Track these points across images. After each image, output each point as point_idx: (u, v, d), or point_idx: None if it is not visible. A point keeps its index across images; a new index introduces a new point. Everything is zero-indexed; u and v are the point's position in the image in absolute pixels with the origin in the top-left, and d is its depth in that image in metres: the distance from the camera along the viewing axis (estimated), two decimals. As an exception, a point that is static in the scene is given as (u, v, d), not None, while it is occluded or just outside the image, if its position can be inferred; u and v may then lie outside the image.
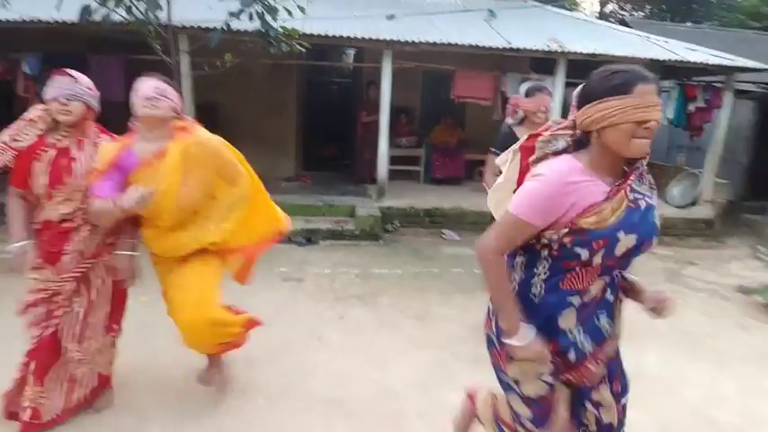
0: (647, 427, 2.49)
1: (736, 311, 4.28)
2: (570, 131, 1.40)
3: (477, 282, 4.51)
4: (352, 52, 10.13)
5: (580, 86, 1.39)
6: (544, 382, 1.49)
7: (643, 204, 1.37)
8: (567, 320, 1.44)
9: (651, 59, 6.48)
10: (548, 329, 1.44)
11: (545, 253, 1.41)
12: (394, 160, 7.30)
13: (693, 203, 7.11)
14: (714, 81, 7.17)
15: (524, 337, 1.40)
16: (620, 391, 1.61)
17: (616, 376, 1.59)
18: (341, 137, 9.40)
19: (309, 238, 5.48)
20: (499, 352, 1.53)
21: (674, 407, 2.72)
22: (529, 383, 1.51)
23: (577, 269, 1.39)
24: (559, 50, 6.31)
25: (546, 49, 6.31)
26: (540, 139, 1.44)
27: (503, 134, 3.20)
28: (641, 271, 5.43)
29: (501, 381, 1.62)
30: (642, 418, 2.42)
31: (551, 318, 1.44)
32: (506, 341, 1.43)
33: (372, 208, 6.08)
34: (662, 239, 6.37)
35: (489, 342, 1.59)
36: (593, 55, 6.32)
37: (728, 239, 6.75)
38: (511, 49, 6.23)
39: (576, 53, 6.36)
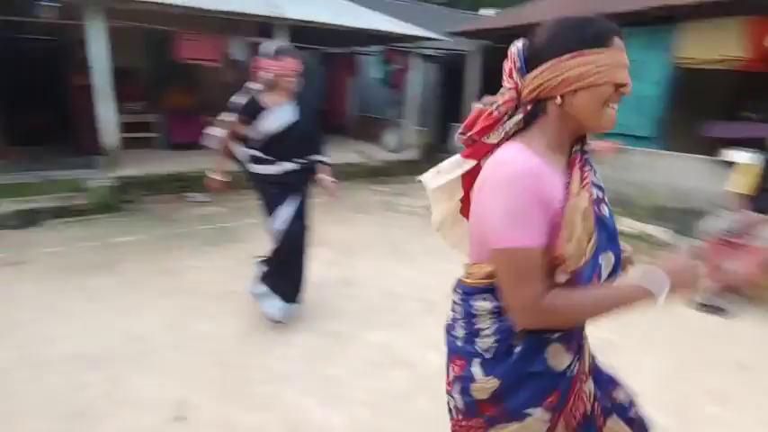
0: (360, 306, 3.37)
1: (422, 223, 5.77)
2: (514, 106, 1.06)
3: (228, 234, 4.88)
4: (55, 5, 8.65)
5: (519, 44, 1.06)
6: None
7: (605, 208, 1.09)
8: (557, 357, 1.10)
9: (366, 29, 7.60)
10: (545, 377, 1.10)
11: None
12: (126, 128, 6.85)
13: (402, 149, 8.82)
14: (407, 48, 8.84)
15: (654, 283, 1.00)
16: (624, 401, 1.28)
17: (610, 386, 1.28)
18: (52, 104, 8.15)
19: (29, 219, 4.89)
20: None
21: (378, 290, 3.70)
22: None
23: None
24: (278, 15, 6.83)
25: (265, 13, 6.74)
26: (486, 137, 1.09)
27: (249, 101, 2.78)
28: (366, 203, 6.56)
29: None
30: (358, 293, 3.28)
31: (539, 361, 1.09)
32: (660, 302, 1.00)
33: (105, 179, 5.70)
34: (382, 179, 7.84)
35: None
36: (312, 22, 7.06)
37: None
38: (230, 12, 6.46)
39: (295, 19, 6.98)
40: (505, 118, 1.07)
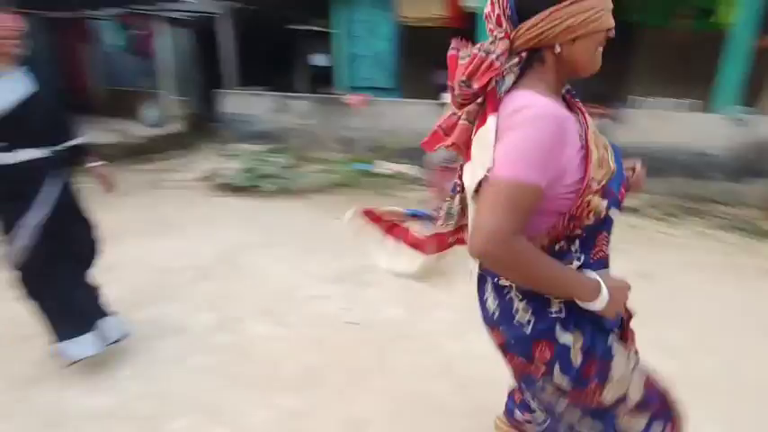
0: (125, 288, 3.19)
1: (200, 195, 5.62)
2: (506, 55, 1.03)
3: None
4: None
5: None
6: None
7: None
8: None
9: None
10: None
11: (571, 230, 1.07)
12: None
13: (164, 122, 8.21)
14: (147, 10, 8.06)
15: (602, 291, 1.05)
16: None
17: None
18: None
19: None
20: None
21: (147, 268, 3.55)
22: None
23: (604, 233, 1.12)
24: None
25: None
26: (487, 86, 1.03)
27: None
28: (131, 184, 5.89)
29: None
30: (120, 276, 3.08)
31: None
32: (592, 308, 1.06)
33: None
34: (146, 157, 7.23)
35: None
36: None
37: (200, 145, 8.30)
38: None
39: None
40: (505, 67, 1.02)
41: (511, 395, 1.69)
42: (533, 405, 1.38)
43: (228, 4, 8.14)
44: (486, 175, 0.99)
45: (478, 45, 1.03)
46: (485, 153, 1.00)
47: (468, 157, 1.09)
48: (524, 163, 0.94)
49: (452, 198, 1.27)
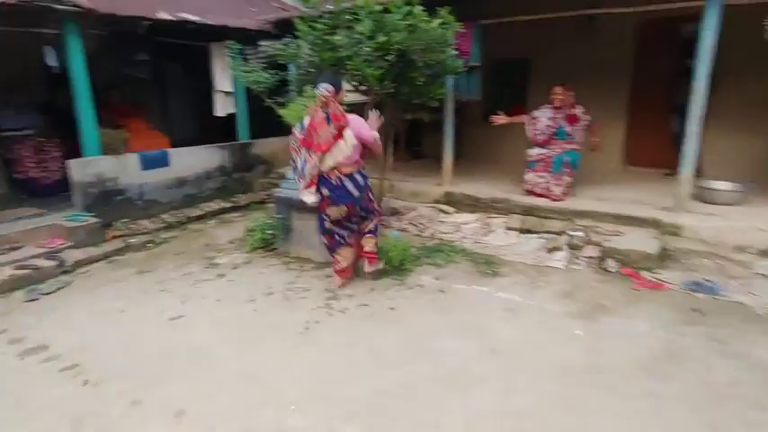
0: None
1: None
2: None
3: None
4: None
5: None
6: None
7: None
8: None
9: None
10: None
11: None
12: None
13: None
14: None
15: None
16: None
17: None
18: None
19: None
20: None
21: None
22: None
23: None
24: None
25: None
26: None
27: None
28: None
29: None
30: None
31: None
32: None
33: None
34: None
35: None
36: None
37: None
38: None
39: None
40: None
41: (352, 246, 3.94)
42: (368, 222, 3.91)
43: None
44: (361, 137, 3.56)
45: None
46: (352, 133, 3.51)
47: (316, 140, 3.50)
48: (370, 130, 3.60)
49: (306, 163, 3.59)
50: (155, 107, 7.91)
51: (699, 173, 5.34)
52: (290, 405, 2.46)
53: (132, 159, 5.74)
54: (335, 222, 3.79)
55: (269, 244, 4.79)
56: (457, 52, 4.93)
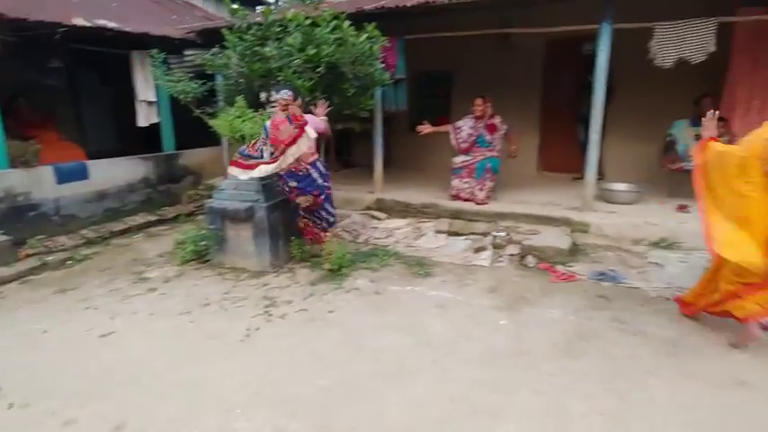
0: None
1: None
2: None
3: None
4: None
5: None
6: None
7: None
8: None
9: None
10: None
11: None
12: None
13: None
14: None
15: None
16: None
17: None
18: None
19: None
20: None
21: None
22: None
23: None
24: None
25: None
26: None
27: None
28: None
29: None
30: None
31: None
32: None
33: None
34: None
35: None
36: None
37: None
38: None
39: None
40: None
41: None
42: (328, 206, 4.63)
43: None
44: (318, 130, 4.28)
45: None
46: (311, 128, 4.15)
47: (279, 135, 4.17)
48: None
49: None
50: (68, 117, 7.46)
51: (601, 176, 5.96)
52: (234, 409, 2.49)
53: (46, 172, 5.40)
54: (307, 210, 4.45)
55: (202, 256, 4.71)
56: (384, 65, 5.17)
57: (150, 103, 6.67)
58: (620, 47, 4.88)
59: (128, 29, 5.98)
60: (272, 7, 4.69)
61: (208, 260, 4.66)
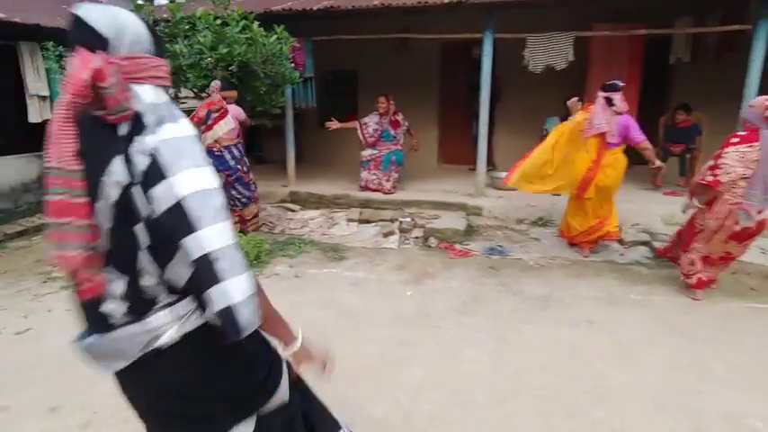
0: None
1: None
2: None
3: None
4: None
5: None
6: None
7: None
8: None
9: None
10: None
11: None
12: None
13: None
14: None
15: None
16: None
17: None
18: None
19: None
20: None
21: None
22: None
23: None
24: None
25: None
26: None
27: None
28: None
29: None
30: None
31: None
32: None
33: None
34: None
35: None
36: None
37: None
38: None
39: None
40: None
41: None
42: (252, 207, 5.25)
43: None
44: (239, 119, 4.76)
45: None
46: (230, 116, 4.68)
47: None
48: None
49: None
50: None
51: (492, 166, 6.77)
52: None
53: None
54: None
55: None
56: (293, 65, 5.47)
57: (43, 97, 6.33)
58: (506, 54, 5.64)
59: (16, 19, 5.65)
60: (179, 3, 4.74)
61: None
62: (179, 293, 1.04)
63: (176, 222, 0.92)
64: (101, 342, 1.06)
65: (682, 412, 2.45)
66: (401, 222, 5.47)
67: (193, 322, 1.06)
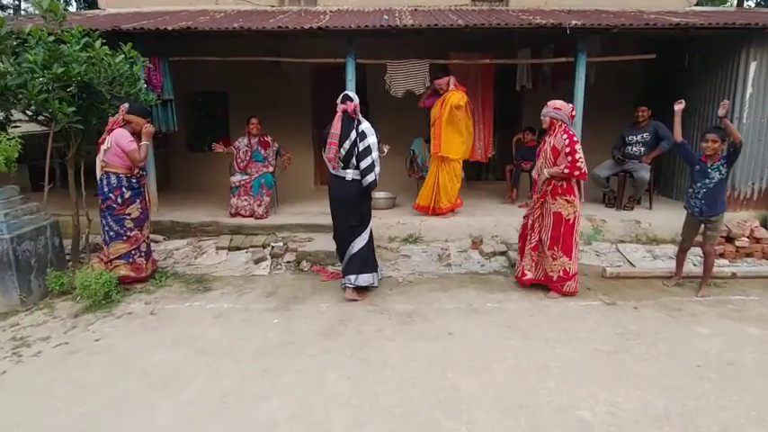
0: None
1: None
2: None
3: None
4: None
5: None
6: None
7: None
8: None
9: None
10: None
11: None
12: None
13: None
14: None
15: None
16: None
17: None
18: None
19: None
20: None
21: None
22: None
23: None
24: None
25: None
26: None
27: None
28: None
29: None
30: None
31: None
32: None
33: None
34: None
35: None
36: None
37: None
38: None
39: None
40: None
41: None
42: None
43: None
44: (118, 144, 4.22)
45: None
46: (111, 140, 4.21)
47: None
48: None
49: None
50: None
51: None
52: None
53: None
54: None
55: None
56: (149, 86, 5.12)
57: None
58: (373, 79, 5.81)
59: None
60: (6, 16, 4.21)
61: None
62: (357, 168, 4.04)
63: (363, 153, 3.99)
64: (337, 180, 4.15)
65: (522, 412, 2.64)
66: (273, 247, 5.32)
67: (357, 176, 4.06)
